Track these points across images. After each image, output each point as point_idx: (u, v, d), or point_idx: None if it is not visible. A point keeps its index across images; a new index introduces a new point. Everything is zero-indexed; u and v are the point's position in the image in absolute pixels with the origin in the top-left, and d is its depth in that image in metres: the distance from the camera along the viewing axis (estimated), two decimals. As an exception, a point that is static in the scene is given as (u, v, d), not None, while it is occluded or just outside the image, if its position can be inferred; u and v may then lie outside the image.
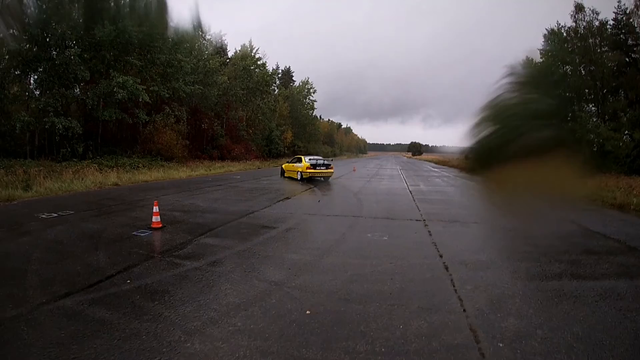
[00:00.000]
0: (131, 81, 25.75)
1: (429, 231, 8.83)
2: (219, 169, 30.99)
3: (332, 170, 22.33)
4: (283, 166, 25.11)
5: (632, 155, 25.64)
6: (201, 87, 34.85)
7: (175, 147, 30.86)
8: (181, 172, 25.52)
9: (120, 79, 25.34)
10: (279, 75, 65.93)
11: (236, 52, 46.89)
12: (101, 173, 20.87)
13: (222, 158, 38.19)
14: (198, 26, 40.49)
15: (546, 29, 33.44)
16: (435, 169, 42.49)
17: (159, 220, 8.76)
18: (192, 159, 33.78)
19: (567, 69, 31.53)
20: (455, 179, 26.51)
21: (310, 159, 22.13)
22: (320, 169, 21.64)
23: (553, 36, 32.85)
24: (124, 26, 26.20)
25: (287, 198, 14.11)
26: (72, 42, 25.07)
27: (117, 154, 27.60)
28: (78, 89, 26.60)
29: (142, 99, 26.74)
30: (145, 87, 27.27)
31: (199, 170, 28.71)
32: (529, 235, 8.28)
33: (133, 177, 20.90)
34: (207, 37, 42.05)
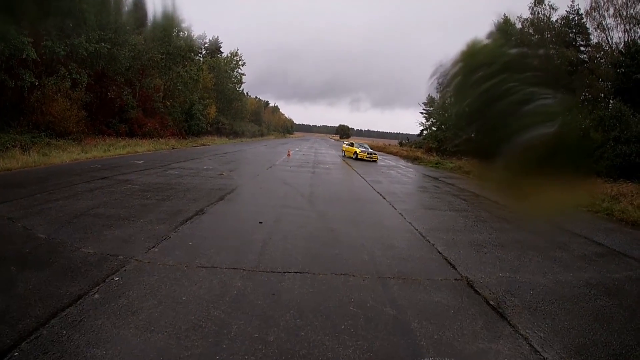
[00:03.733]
0: (13, 31, 18.53)
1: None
2: (121, 148, 24.18)
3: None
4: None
5: (595, 157, 23.77)
6: (108, 46, 27.60)
7: (69, 120, 23.68)
8: (67, 155, 18.69)
9: (-2, 29, 18.08)
10: (206, 45, 58.78)
11: (154, 10, 39.33)
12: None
13: (131, 134, 30.96)
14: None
15: (493, 21, 31.77)
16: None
17: None
18: (94, 134, 26.57)
19: (522, 50, 30.81)
20: (409, 171, 23.09)
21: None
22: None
23: (506, 25, 31.16)
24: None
25: (202, 212, 8.50)
26: None
27: (-2, 128, 20.11)
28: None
29: (28, 55, 19.72)
30: (32, 40, 20.03)
31: (94, 151, 21.82)
32: None
33: (-12, 165, 14.04)
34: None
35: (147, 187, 11.30)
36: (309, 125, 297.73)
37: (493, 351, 3.64)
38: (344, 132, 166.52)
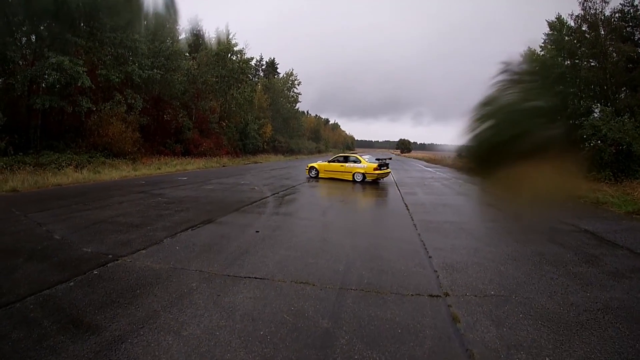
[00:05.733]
0: (67, 61, 20.22)
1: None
2: (172, 167, 25.43)
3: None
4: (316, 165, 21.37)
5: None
6: (161, 72, 29.24)
7: (125, 141, 25.14)
8: (117, 172, 19.86)
9: (54, 60, 19.87)
10: (263, 67, 60.51)
11: (209, 37, 40.98)
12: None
13: (186, 154, 32.40)
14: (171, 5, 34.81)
15: (547, 21, 29.09)
16: (429, 169, 36.95)
17: None
18: (151, 154, 28.22)
19: (573, 62, 27.79)
20: (453, 182, 21.41)
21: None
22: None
23: (559, 25, 28.87)
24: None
25: (209, 221, 8.66)
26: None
27: (59, 149, 22.02)
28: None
29: (83, 83, 21.20)
30: (87, 69, 21.77)
31: (145, 169, 23.02)
32: None
33: (43, 180, 15.36)
34: (178, 18, 36.07)
35: (174, 199, 11.75)
36: (371, 141, 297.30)
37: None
38: (404, 146, 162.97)
